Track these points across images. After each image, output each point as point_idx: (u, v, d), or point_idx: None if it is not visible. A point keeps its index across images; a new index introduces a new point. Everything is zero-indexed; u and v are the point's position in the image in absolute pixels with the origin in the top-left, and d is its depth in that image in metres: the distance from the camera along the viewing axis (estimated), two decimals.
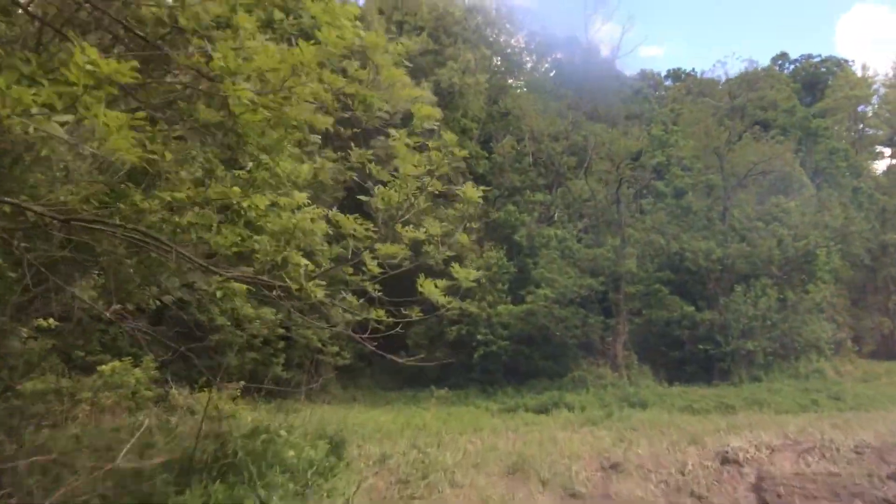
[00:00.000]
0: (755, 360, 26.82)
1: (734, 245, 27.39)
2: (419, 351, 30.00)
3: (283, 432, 9.30)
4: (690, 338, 26.93)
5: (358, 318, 6.56)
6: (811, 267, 29.59)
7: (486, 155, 35.51)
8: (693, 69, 62.04)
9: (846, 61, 60.33)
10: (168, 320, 23.71)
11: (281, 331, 23.08)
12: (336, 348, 25.60)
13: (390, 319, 6.16)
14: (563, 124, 34.61)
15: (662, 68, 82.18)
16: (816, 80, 59.64)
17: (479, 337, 27.16)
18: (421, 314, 6.09)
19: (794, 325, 26.39)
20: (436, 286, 5.91)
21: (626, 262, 26.50)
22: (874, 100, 53.28)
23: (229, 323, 21.64)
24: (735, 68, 60.54)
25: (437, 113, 5.49)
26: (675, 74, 63.19)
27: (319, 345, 24.52)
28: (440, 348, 29.06)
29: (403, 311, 6.09)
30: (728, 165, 28.89)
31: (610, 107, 39.32)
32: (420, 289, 5.81)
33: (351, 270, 6.29)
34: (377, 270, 6.10)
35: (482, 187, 5.98)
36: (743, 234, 27.95)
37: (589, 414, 18.14)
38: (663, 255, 28.46)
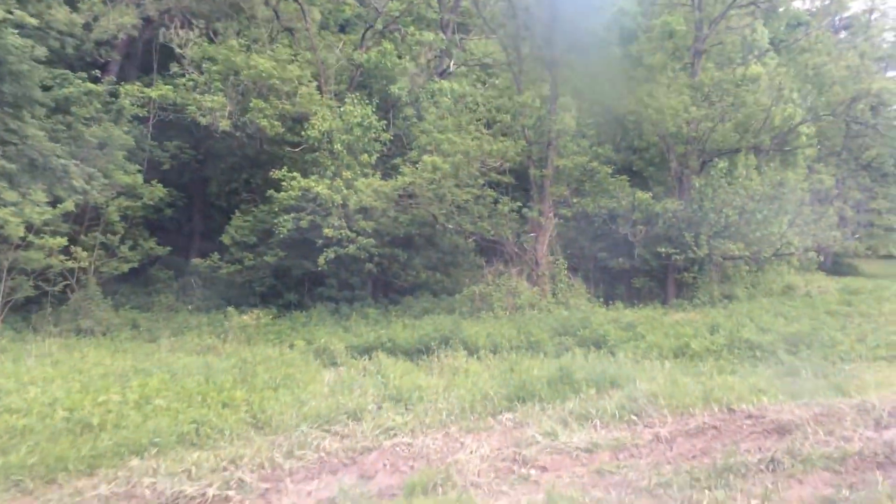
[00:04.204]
0: (727, 270, 18.72)
1: (713, 105, 18.50)
2: (241, 254, 19.69)
3: None
4: (645, 238, 18.15)
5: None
6: (792, 146, 21.76)
7: None
8: None
9: None
10: None
11: None
12: (63, 239, 14.39)
13: None
14: None
15: None
16: None
17: (326, 232, 17.07)
18: None
19: (791, 222, 18.18)
20: None
21: (559, 118, 16.95)
22: None
23: None
24: None
25: None
26: None
27: (22, 233, 13.07)
28: (273, 249, 18.74)
29: None
30: None
31: None
32: None
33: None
34: None
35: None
36: (722, 93, 19.02)
37: (517, 369, 8.65)
38: (609, 121, 19.21)
